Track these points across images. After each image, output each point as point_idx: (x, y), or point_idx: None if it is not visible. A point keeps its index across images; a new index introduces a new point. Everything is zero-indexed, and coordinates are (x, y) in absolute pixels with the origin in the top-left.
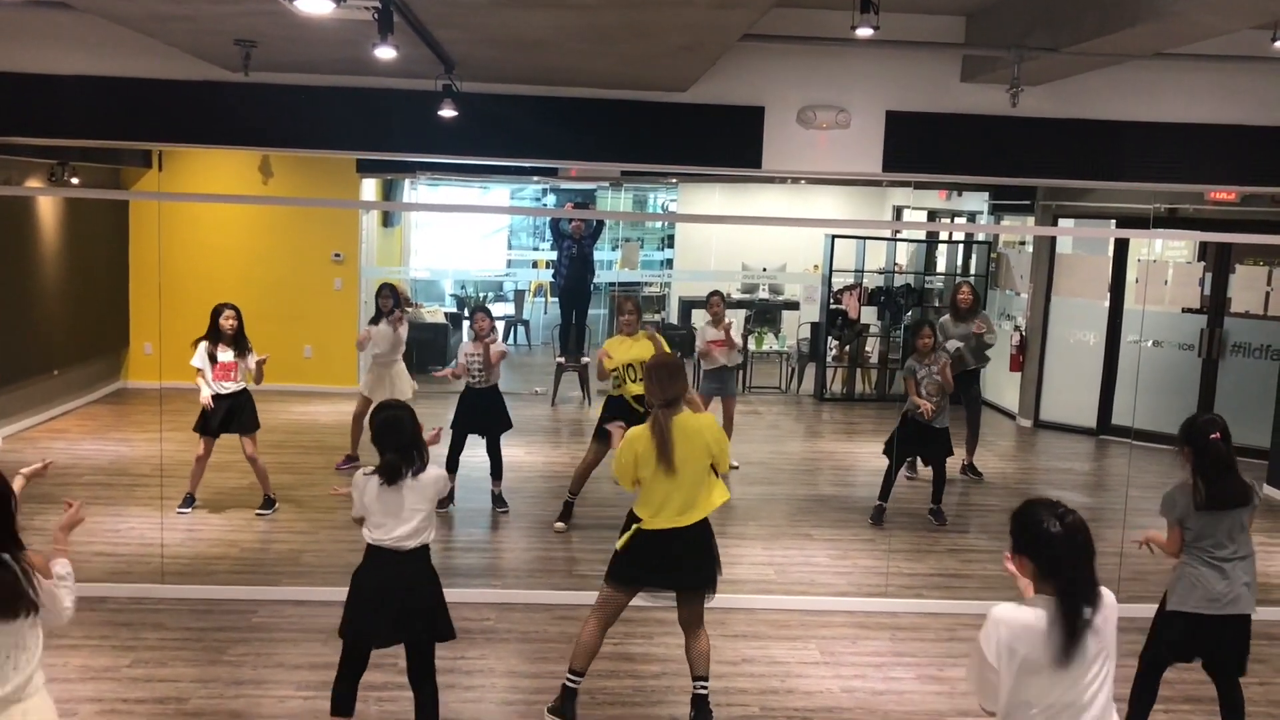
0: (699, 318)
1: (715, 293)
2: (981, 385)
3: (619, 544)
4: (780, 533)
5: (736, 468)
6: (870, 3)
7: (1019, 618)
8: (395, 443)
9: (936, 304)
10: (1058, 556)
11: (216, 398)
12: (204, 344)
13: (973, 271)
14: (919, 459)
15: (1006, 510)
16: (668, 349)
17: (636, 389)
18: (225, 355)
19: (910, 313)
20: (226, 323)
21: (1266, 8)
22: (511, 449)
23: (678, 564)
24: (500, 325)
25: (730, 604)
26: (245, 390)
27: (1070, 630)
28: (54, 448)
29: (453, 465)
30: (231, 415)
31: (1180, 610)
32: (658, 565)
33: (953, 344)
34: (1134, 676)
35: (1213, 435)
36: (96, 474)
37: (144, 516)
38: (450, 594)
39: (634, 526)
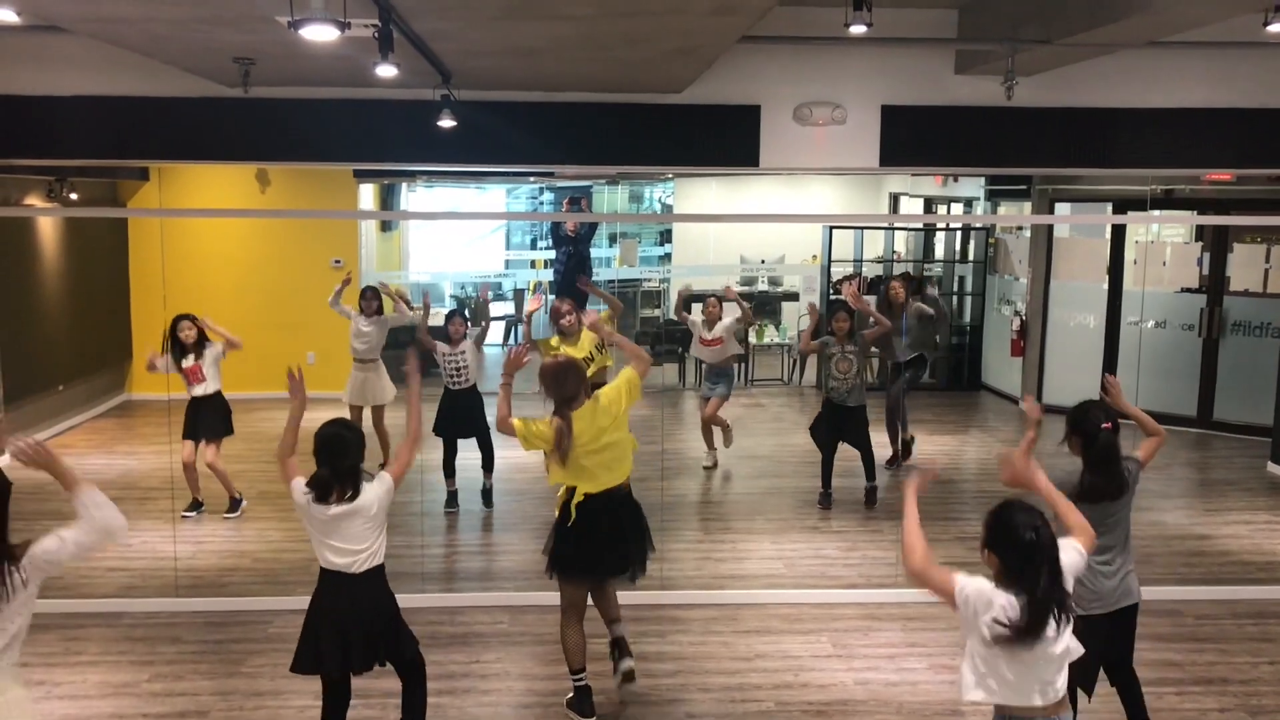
0: (699, 313)
1: (715, 296)
2: (924, 374)
3: (569, 506)
4: (788, 526)
5: (713, 467)
6: (863, 0)
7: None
8: (332, 461)
9: (936, 290)
10: (1027, 563)
11: (191, 401)
12: (163, 358)
13: (971, 257)
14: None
15: (1014, 495)
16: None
17: None
18: (188, 361)
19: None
20: (183, 334)
21: None
22: (515, 449)
23: (621, 536)
24: (500, 325)
25: (741, 599)
26: (219, 394)
27: (1032, 630)
28: None
29: (449, 470)
30: (205, 419)
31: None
32: (603, 540)
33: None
34: None
35: (1104, 425)
36: (105, 488)
37: (155, 530)
38: (462, 598)
39: (575, 495)
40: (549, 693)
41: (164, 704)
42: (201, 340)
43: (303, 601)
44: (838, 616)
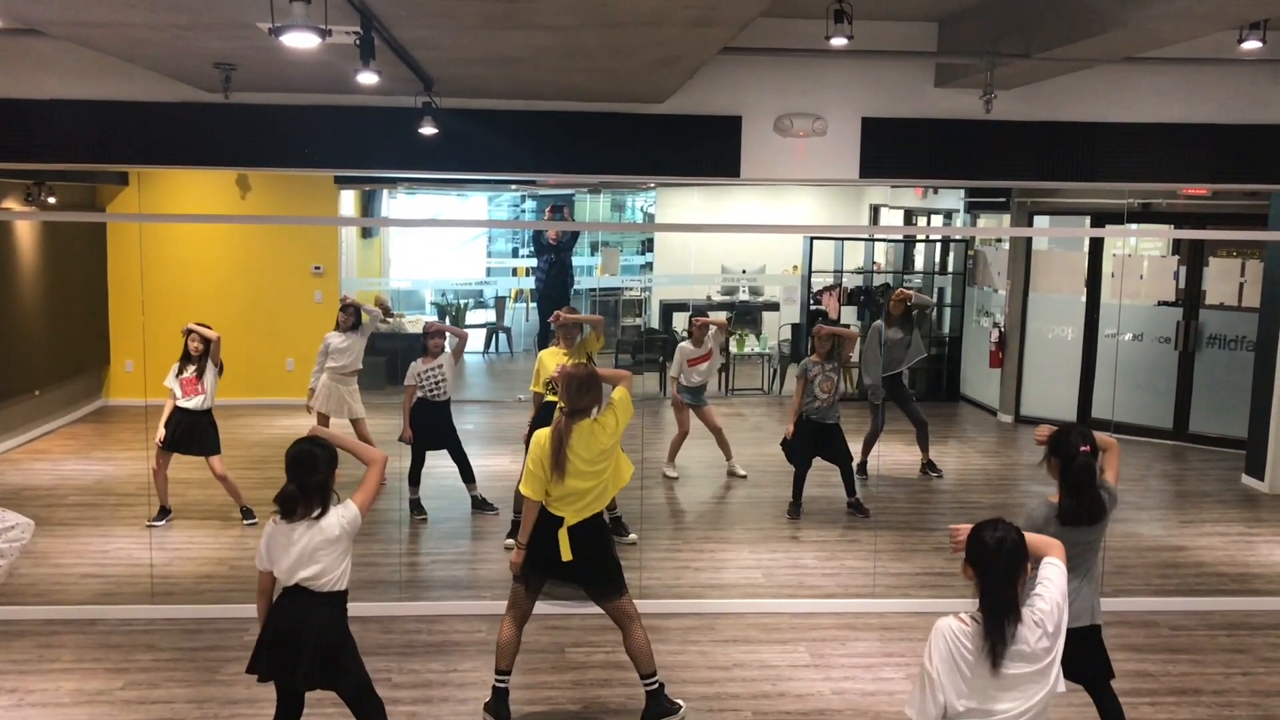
0: (680, 321)
1: (699, 314)
2: (908, 385)
3: (563, 553)
4: (767, 535)
5: (744, 476)
6: (844, 13)
7: (955, 626)
8: (301, 477)
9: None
10: (986, 569)
11: (180, 412)
12: (175, 365)
13: (950, 269)
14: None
15: (991, 507)
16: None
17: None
18: (189, 371)
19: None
20: (190, 344)
21: (1222, 15)
22: (497, 457)
23: (573, 567)
24: (481, 332)
25: (719, 609)
26: (209, 412)
27: (990, 639)
28: (36, 468)
29: (414, 479)
30: (192, 435)
31: None
32: (555, 564)
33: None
34: None
35: (1082, 448)
36: (81, 494)
37: (131, 536)
38: (440, 607)
39: (564, 525)
40: (526, 701)
41: (138, 712)
42: (205, 356)
43: None
44: (815, 626)
